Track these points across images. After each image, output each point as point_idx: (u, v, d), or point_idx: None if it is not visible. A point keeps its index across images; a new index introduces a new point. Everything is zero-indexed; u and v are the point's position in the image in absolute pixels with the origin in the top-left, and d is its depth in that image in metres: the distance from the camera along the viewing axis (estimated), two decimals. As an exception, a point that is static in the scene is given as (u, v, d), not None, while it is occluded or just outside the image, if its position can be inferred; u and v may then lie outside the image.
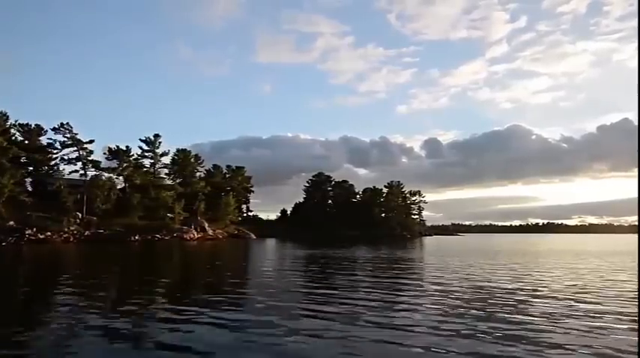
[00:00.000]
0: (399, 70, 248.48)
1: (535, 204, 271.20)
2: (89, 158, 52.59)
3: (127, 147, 57.77)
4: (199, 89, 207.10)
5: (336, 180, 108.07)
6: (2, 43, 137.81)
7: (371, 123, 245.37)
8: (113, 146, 57.37)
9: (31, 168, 55.23)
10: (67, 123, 51.00)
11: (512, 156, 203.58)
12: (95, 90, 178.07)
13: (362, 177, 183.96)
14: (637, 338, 6.26)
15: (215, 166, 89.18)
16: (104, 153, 56.38)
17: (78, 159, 52.24)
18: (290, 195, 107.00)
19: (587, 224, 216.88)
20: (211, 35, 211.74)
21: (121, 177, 57.94)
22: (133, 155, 61.07)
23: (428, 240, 66.90)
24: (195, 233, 56.22)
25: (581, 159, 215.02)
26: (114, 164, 56.93)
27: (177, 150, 73.14)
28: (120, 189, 58.26)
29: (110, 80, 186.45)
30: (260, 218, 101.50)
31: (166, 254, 31.33)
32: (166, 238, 51.23)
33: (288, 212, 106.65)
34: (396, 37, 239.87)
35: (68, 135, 51.42)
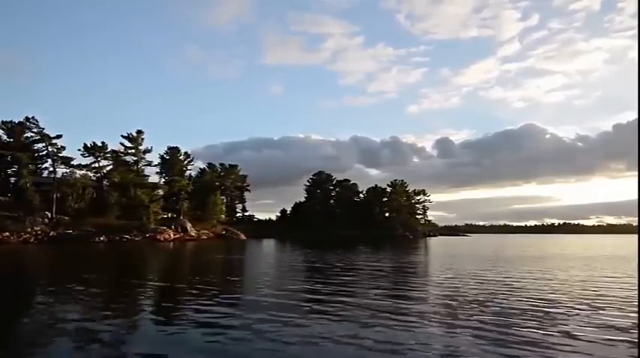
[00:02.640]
0: (409, 69, 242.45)
1: (551, 204, 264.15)
2: (59, 154, 49.78)
3: (103, 143, 54.85)
4: (208, 90, 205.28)
5: (338, 179, 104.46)
6: (9, 41, 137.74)
7: (381, 123, 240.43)
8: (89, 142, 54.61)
9: (17, 167, 53.33)
10: (33, 117, 48.32)
11: (526, 156, 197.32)
12: (99, 91, 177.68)
13: (374, 178, 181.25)
14: (637, 339, 6.17)
15: (210, 165, 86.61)
16: (78, 150, 53.68)
17: (47, 155, 49.60)
18: (300, 196, 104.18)
19: (604, 224, 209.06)
20: (219, 37, 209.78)
21: (98, 175, 55.26)
22: (114, 151, 58.68)
23: (423, 243, 62.59)
24: (171, 233, 52.99)
25: (597, 158, 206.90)
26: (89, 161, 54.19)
27: (168, 148, 70.93)
28: (99, 187, 55.66)
29: (116, 81, 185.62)
30: (257, 218, 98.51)
31: (116, 255, 28.34)
32: (137, 239, 48.09)
33: (289, 212, 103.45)
34: (406, 37, 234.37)
35: (35, 131, 48.78)
